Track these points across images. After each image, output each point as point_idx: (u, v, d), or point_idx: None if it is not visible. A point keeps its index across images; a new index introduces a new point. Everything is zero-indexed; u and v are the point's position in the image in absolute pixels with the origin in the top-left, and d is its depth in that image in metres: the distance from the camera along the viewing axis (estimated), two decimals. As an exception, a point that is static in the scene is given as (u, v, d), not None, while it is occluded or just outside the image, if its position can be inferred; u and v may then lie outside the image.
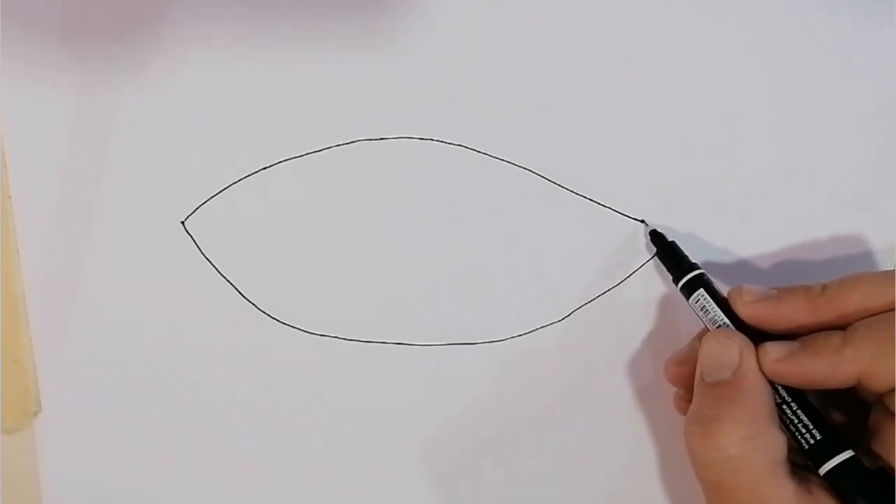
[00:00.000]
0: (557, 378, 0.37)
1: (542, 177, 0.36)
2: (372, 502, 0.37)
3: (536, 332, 0.37)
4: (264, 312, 0.36)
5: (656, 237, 0.36)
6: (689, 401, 0.33)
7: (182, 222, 0.36)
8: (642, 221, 0.37)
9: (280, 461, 0.37)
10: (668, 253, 0.35)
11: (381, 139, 0.36)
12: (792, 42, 0.37)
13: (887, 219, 0.37)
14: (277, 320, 0.36)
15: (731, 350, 0.32)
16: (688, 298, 0.34)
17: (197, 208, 0.36)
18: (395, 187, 0.36)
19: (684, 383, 0.34)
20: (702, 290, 0.34)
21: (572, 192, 0.37)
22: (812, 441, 0.31)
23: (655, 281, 0.37)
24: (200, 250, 0.36)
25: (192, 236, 0.36)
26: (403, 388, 0.37)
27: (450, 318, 0.37)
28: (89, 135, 0.35)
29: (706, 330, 0.34)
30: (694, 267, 0.34)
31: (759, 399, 0.31)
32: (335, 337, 0.37)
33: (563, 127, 0.36)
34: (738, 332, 0.32)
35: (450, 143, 0.36)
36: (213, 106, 0.36)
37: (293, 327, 0.37)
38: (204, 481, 0.37)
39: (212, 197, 0.36)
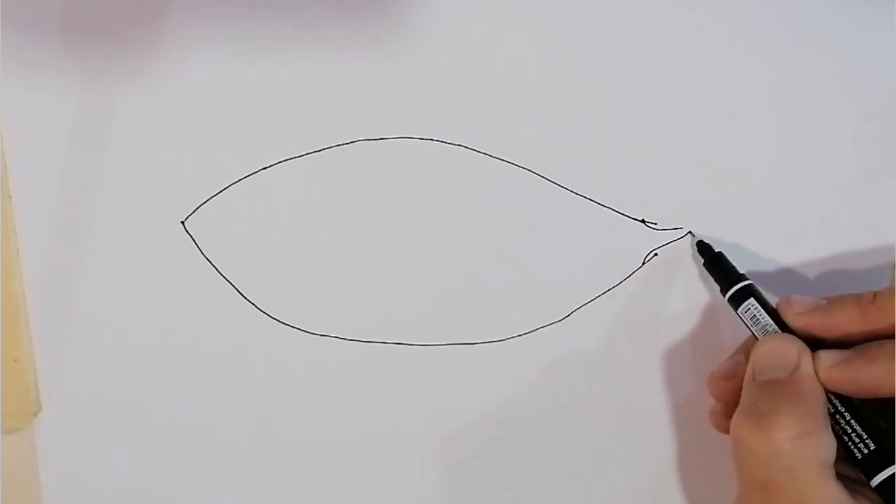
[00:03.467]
0: (557, 378, 0.37)
1: (542, 177, 0.36)
2: (372, 502, 0.37)
3: (536, 332, 0.37)
4: (264, 312, 0.36)
5: (703, 248, 0.36)
6: (728, 416, 0.32)
7: (182, 222, 0.36)
8: (643, 221, 0.37)
9: (280, 461, 0.37)
10: (715, 263, 0.35)
11: (381, 139, 0.36)
12: (794, 42, 0.37)
13: None
14: (277, 320, 0.36)
15: (789, 351, 0.32)
16: (736, 308, 0.34)
17: (197, 208, 0.36)
18: (395, 187, 0.36)
19: (729, 398, 0.34)
20: (752, 299, 0.34)
21: (572, 192, 0.37)
22: (866, 451, 0.31)
23: (655, 281, 0.37)
24: (200, 250, 0.36)
25: (192, 236, 0.36)
26: (403, 389, 0.37)
27: (450, 318, 0.37)
28: (89, 135, 0.35)
29: (750, 342, 0.34)
30: (742, 277, 0.35)
31: (815, 401, 0.31)
32: (335, 337, 0.37)
33: (563, 127, 0.36)
34: (795, 337, 0.32)
35: (450, 143, 0.36)
36: (213, 106, 0.36)
37: (293, 327, 0.37)
38: (204, 481, 0.37)
39: (212, 197, 0.36)
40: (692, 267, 0.37)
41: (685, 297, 0.37)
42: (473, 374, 0.37)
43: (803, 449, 0.30)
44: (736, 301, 0.34)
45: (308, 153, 0.36)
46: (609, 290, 0.37)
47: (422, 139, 0.36)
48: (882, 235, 0.37)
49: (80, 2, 0.35)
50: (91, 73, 0.35)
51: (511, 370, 0.37)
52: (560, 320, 0.37)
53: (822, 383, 0.31)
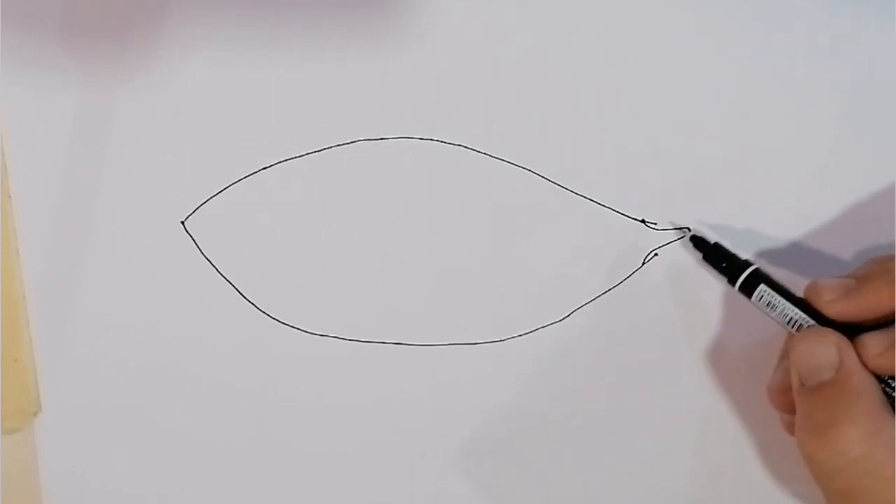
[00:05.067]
0: (557, 378, 0.37)
1: (542, 177, 0.36)
2: (372, 502, 0.37)
3: (536, 332, 0.37)
4: (264, 312, 0.36)
5: (698, 242, 0.35)
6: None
7: (182, 222, 0.36)
8: (643, 221, 0.37)
9: (280, 461, 0.37)
10: (715, 255, 0.34)
11: (381, 139, 0.36)
12: (794, 42, 0.37)
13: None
14: (277, 320, 0.36)
15: (828, 349, 0.30)
16: (749, 297, 0.33)
17: (197, 208, 0.36)
18: (395, 187, 0.36)
19: (793, 409, 0.32)
20: (762, 285, 0.33)
21: (572, 192, 0.37)
22: None
23: (655, 281, 0.37)
24: (200, 250, 0.36)
25: (192, 236, 0.36)
26: (403, 389, 0.37)
27: (450, 318, 0.37)
28: (89, 135, 0.35)
29: (790, 340, 0.32)
30: (748, 264, 0.34)
31: (870, 394, 0.30)
32: (335, 337, 0.37)
33: (562, 127, 0.36)
34: (829, 330, 0.31)
35: (450, 143, 0.36)
36: (213, 106, 0.36)
37: (293, 327, 0.37)
38: (204, 481, 0.37)
39: (212, 197, 0.36)
40: (691, 266, 0.37)
41: (685, 296, 0.37)
42: (473, 374, 0.37)
43: (875, 450, 0.29)
44: (747, 289, 0.33)
45: (308, 153, 0.36)
46: (609, 290, 0.37)
47: (422, 139, 0.36)
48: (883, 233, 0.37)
49: (80, 2, 0.35)
50: (91, 73, 0.35)
51: (511, 370, 0.37)
52: (560, 320, 0.37)
53: (871, 371, 0.30)
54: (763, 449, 0.37)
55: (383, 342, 0.37)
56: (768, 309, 0.33)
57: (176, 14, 0.35)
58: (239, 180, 0.36)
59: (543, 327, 0.37)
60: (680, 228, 0.36)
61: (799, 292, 0.33)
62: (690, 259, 0.37)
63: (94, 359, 0.36)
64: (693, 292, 0.37)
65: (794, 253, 0.37)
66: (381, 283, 0.37)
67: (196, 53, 0.35)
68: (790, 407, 0.32)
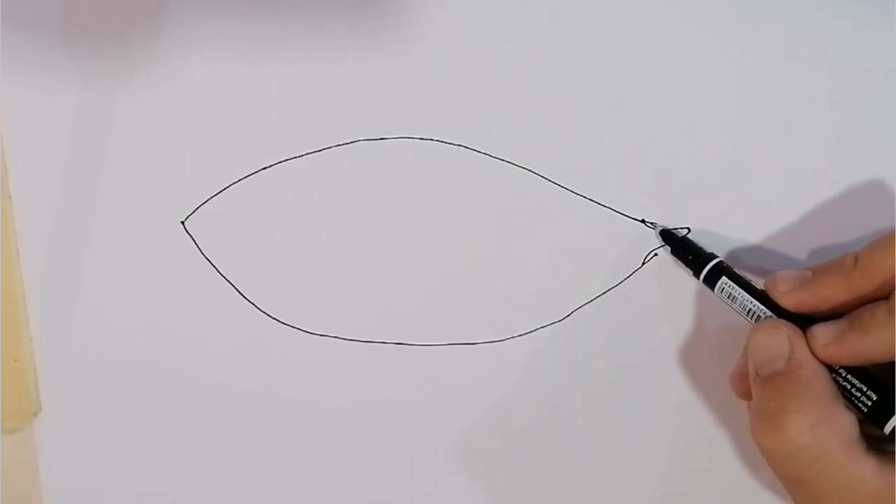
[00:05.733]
0: (557, 378, 0.37)
1: (542, 177, 0.36)
2: (371, 502, 0.37)
3: (536, 332, 0.37)
4: (264, 312, 0.36)
5: (667, 235, 0.36)
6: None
7: (182, 222, 0.36)
8: (642, 221, 0.37)
9: (280, 460, 0.37)
10: (682, 248, 0.35)
11: (381, 139, 0.36)
12: (794, 43, 0.37)
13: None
14: (277, 320, 0.36)
15: (779, 340, 0.31)
16: (712, 289, 0.34)
17: (197, 208, 0.36)
18: (395, 187, 0.36)
19: (751, 396, 0.33)
20: (724, 278, 0.34)
21: (572, 192, 0.37)
22: (869, 403, 0.30)
23: (656, 281, 0.37)
24: (200, 250, 0.36)
25: (192, 236, 0.36)
26: (403, 389, 0.37)
27: (450, 318, 0.37)
28: (89, 135, 0.35)
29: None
30: (712, 256, 0.35)
31: (819, 383, 0.30)
32: (335, 337, 0.37)
33: (563, 127, 0.36)
34: (783, 321, 0.32)
35: (450, 143, 0.36)
36: (213, 106, 0.36)
37: (293, 327, 0.37)
38: (204, 480, 0.37)
39: (212, 197, 0.36)
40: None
41: (685, 296, 0.37)
42: (473, 374, 0.37)
43: (823, 438, 0.29)
44: (710, 282, 0.34)
45: (308, 153, 0.36)
46: (609, 290, 0.37)
47: (422, 139, 0.36)
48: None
49: (80, 2, 0.35)
50: (91, 73, 0.35)
51: (511, 370, 0.37)
52: (560, 320, 0.37)
53: (821, 361, 0.31)
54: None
55: (383, 342, 0.37)
56: (730, 301, 0.34)
57: (176, 14, 0.35)
58: (239, 180, 0.36)
59: (543, 327, 0.37)
60: (680, 228, 0.36)
61: None
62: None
63: (94, 359, 0.36)
64: (693, 292, 0.37)
65: (795, 252, 0.37)
66: (380, 283, 0.37)
67: (196, 53, 0.35)
68: (747, 395, 0.33)
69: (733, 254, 0.37)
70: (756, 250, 0.37)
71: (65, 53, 0.35)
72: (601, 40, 0.36)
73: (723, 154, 0.37)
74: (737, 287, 0.34)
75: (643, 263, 0.37)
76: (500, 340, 0.37)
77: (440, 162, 0.36)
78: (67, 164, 0.35)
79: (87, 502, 0.37)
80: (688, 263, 0.35)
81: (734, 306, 0.34)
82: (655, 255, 0.37)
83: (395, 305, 0.37)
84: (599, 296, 0.37)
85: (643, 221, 0.37)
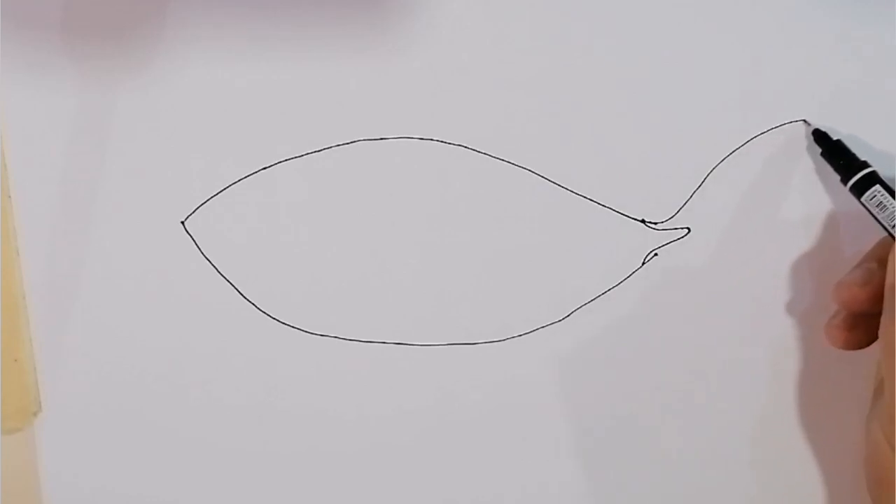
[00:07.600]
0: (557, 378, 0.37)
1: (543, 177, 0.36)
2: (371, 502, 0.37)
3: (536, 332, 0.37)
4: (264, 312, 0.36)
5: (820, 136, 0.35)
6: (850, 328, 0.31)
7: (182, 222, 0.36)
8: (642, 221, 0.37)
9: (280, 461, 0.37)
10: (834, 152, 0.35)
11: (381, 139, 0.36)
12: (794, 43, 0.37)
13: None
14: (277, 320, 0.36)
15: None
16: (859, 197, 0.34)
17: (197, 208, 0.36)
18: (395, 187, 0.36)
19: (861, 306, 0.32)
20: (877, 186, 0.34)
21: (572, 192, 0.37)
22: None
23: (655, 281, 0.37)
24: (200, 250, 0.36)
25: (192, 236, 0.36)
26: (404, 389, 0.37)
27: (450, 318, 0.37)
28: (89, 135, 0.35)
29: (881, 248, 0.33)
30: (865, 164, 0.34)
31: None
32: (335, 337, 0.37)
33: (563, 127, 0.36)
34: None
35: (450, 143, 0.36)
36: (213, 106, 0.36)
37: (293, 327, 0.37)
38: (203, 481, 0.37)
39: (212, 197, 0.36)
40: (691, 266, 0.37)
41: (685, 296, 0.37)
42: (473, 374, 0.37)
43: None
44: (859, 190, 0.34)
45: (308, 153, 0.36)
46: (609, 290, 0.37)
47: (422, 139, 0.36)
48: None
49: (80, 2, 0.35)
50: (91, 73, 0.35)
51: (511, 370, 0.37)
52: (560, 320, 0.37)
53: None
54: (764, 447, 0.37)
55: (383, 342, 0.37)
56: (878, 209, 0.34)
57: (176, 14, 0.35)
58: (239, 180, 0.36)
59: (543, 327, 0.37)
60: (680, 228, 0.36)
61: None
62: (690, 259, 0.37)
63: (94, 359, 0.36)
64: (693, 292, 0.37)
65: (794, 253, 0.37)
66: (381, 283, 0.37)
67: (196, 53, 0.35)
68: (856, 304, 0.32)
69: (733, 254, 0.37)
70: (756, 250, 0.37)
71: (65, 53, 0.35)
72: (601, 40, 0.36)
73: (723, 153, 0.37)
74: (889, 197, 0.33)
75: (643, 263, 0.37)
76: (500, 340, 0.37)
77: (440, 162, 0.36)
78: (67, 163, 0.35)
79: (87, 502, 0.37)
80: (837, 168, 0.35)
81: (882, 216, 0.33)
82: (655, 254, 0.37)
83: (396, 305, 0.37)
84: (599, 296, 0.37)
85: (643, 221, 0.37)
